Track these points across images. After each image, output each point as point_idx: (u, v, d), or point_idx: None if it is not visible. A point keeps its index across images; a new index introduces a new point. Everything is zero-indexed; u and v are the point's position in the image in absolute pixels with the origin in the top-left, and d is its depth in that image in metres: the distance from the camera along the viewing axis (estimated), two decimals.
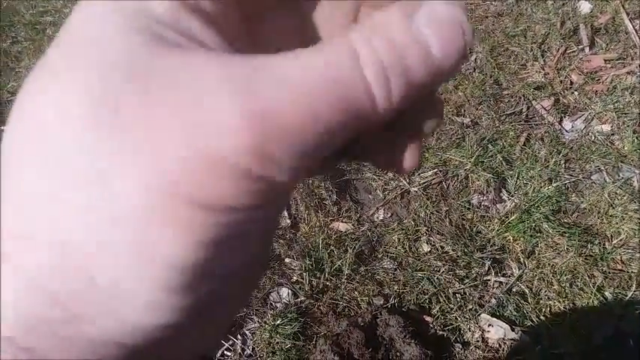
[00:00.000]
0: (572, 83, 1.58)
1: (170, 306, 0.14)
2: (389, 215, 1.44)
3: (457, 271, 1.32)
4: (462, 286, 1.29)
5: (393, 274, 1.34)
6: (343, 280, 1.32)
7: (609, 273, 1.25)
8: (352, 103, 0.13)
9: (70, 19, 0.15)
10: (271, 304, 1.30)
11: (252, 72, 0.13)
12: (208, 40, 0.14)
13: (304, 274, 1.32)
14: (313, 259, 1.35)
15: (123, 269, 0.13)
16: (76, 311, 0.13)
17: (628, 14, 1.70)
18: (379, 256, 1.38)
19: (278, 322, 1.23)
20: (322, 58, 0.13)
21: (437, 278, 1.31)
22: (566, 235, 1.31)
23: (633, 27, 1.68)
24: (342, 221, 1.44)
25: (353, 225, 1.43)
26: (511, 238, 1.34)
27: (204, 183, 0.12)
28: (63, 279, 0.13)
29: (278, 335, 1.21)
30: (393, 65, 0.13)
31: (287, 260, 1.35)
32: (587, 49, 1.64)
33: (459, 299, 1.27)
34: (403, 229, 1.41)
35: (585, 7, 1.74)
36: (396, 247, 1.39)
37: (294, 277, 1.34)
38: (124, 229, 0.13)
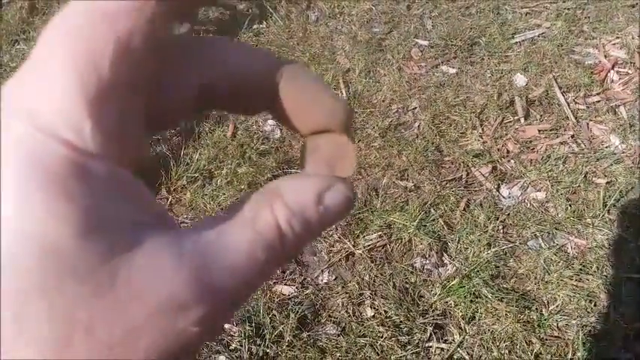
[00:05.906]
0: (508, 152, 1.65)
1: None
2: (333, 278, 1.43)
3: (400, 337, 1.30)
4: (405, 353, 1.28)
5: (336, 340, 1.32)
6: (284, 348, 1.28)
7: (547, 340, 1.27)
8: (273, 264, 0.17)
9: None
10: None
11: (201, 258, 0.16)
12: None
13: (243, 341, 1.28)
14: (254, 324, 1.31)
15: None
16: None
17: (560, 88, 1.83)
18: (322, 320, 1.36)
19: None
20: (253, 236, 0.17)
21: (379, 344, 1.29)
22: (505, 300, 1.33)
23: (565, 100, 1.80)
24: (285, 284, 1.41)
25: (297, 288, 1.40)
26: (452, 303, 1.35)
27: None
28: None
29: None
30: (303, 235, 0.18)
31: (226, 326, 1.30)
32: (522, 120, 1.74)
33: None
34: (347, 293, 1.40)
35: (521, 81, 1.86)
36: (339, 312, 1.37)
37: (233, 345, 1.29)
38: None
